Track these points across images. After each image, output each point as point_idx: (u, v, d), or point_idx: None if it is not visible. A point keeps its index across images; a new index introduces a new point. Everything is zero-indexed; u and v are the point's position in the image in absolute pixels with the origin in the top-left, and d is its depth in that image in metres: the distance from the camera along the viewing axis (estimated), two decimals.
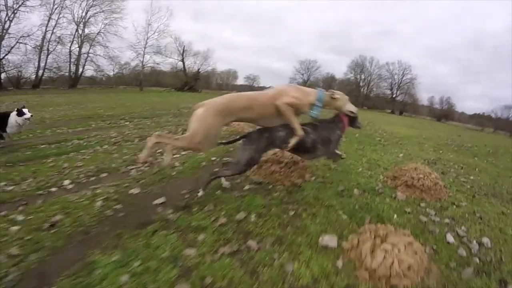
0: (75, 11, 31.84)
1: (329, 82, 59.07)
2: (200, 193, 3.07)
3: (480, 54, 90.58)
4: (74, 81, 33.17)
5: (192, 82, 43.24)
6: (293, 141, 2.98)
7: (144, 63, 39.46)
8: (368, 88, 56.74)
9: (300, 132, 2.96)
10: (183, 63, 44.31)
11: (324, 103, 3.22)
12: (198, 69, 46.07)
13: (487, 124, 49.61)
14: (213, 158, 4.82)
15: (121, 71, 41.40)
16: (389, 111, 51.91)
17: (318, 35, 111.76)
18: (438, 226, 3.00)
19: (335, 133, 3.35)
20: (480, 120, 52.18)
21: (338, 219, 2.91)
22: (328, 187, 3.80)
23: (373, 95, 56.65)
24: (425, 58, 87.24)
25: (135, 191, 3.24)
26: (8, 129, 5.04)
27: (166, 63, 42.68)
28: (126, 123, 8.16)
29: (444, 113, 52.77)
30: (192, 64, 45.51)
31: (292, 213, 2.97)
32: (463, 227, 3.05)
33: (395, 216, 3.14)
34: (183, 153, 4.89)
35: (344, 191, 3.73)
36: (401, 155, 6.61)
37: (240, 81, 66.02)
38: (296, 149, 3.14)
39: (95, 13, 33.21)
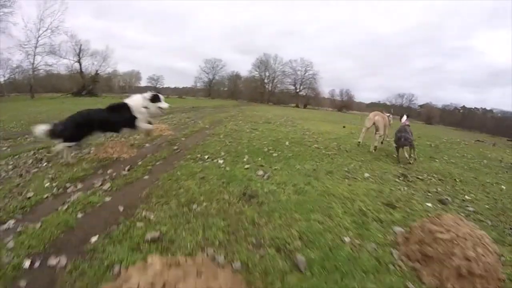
0: None
1: (234, 80, 64.60)
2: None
3: (375, 52, 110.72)
4: None
5: (91, 85, 39.61)
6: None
7: (35, 65, 33.94)
8: (272, 84, 60.99)
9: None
10: (80, 64, 40.82)
11: None
12: (97, 71, 42.71)
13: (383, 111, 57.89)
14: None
15: (13, 76, 36.13)
16: (294, 105, 55.74)
17: (223, 35, 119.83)
18: None
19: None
20: (377, 108, 59.55)
21: None
22: None
23: (278, 90, 61.10)
24: (326, 55, 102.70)
25: None
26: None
27: (61, 64, 38.31)
28: None
29: (344, 104, 59.91)
30: (90, 65, 42.34)
31: None
32: None
33: None
34: None
35: None
36: (366, 174, 4.57)
37: (143, 82, 66.09)
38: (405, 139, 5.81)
39: None
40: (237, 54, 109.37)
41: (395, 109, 58.04)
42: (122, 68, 78.91)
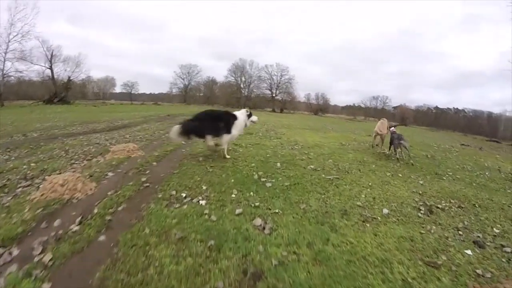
0: None
1: (210, 86, 65.27)
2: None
3: (350, 57, 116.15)
4: None
5: (63, 93, 38.68)
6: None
7: (5, 71, 32.54)
8: (249, 89, 61.33)
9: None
10: (52, 71, 39.88)
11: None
12: (69, 77, 42.00)
13: (358, 113, 60.20)
14: None
15: None
16: (270, 109, 55.85)
17: (200, 42, 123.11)
18: None
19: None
20: (352, 110, 63.63)
21: None
22: None
23: (254, 95, 61.24)
24: (302, 61, 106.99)
25: None
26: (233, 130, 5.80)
27: (32, 71, 36.88)
28: None
29: (320, 107, 60.73)
30: (62, 71, 41.78)
31: None
32: None
33: None
34: None
35: None
36: (385, 210, 3.77)
37: (118, 88, 66.35)
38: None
39: None
40: (213, 60, 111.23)
41: (368, 111, 61.14)
42: (97, 74, 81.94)
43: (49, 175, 4.28)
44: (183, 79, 64.33)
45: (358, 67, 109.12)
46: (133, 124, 13.93)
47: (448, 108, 62.41)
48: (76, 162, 5.48)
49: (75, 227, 2.86)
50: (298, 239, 2.69)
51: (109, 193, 3.76)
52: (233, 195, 3.83)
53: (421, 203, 4.24)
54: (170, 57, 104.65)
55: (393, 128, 8.17)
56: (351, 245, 2.70)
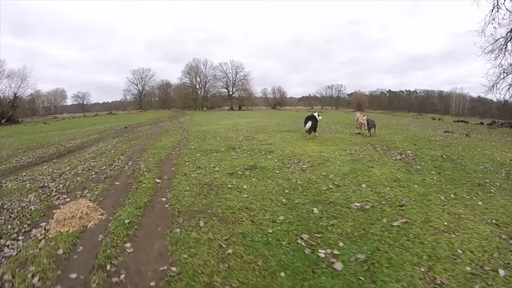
0: None
1: (165, 89, 64.53)
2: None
3: (302, 49, 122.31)
4: None
5: (10, 112, 37.13)
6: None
7: None
8: (205, 89, 60.53)
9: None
10: None
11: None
12: (15, 94, 40.57)
13: (314, 103, 61.67)
14: None
15: None
16: (228, 108, 55.27)
17: (149, 44, 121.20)
18: None
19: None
20: (308, 101, 64.46)
21: None
22: None
23: (211, 95, 60.91)
24: (254, 56, 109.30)
25: None
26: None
27: None
28: None
29: (278, 101, 61.37)
30: (7, 88, 40.13)
31: None
32: None
33: None
34: None
35: None
36: (502, 272, 2.91)
37: (69, 100, 64.05)
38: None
39: None
40: (164, 62, 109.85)
41: (324, 101, 62.77)
42: (46, 87, 79.28)
43: None
44: (137, 85, 62.98)
45: (311, 58, 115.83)
46: (87, 144, 12.23)
47: (400, 90, 65.78)
48: (8, 244, 3.60)
49: None
50: None
51: None
52: None
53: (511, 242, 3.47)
54: (120, 62, 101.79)
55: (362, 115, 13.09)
56: None
